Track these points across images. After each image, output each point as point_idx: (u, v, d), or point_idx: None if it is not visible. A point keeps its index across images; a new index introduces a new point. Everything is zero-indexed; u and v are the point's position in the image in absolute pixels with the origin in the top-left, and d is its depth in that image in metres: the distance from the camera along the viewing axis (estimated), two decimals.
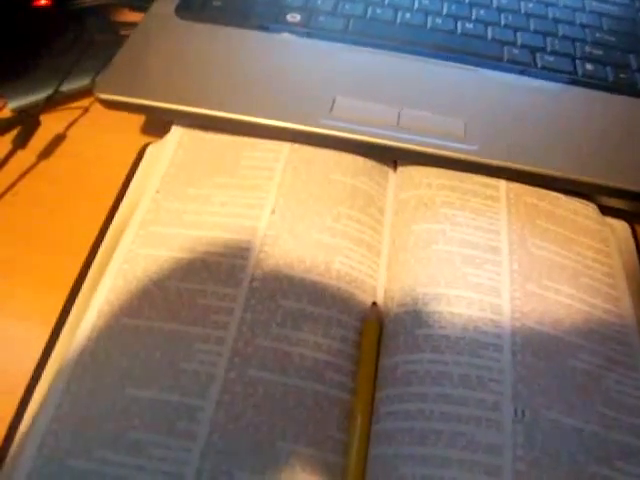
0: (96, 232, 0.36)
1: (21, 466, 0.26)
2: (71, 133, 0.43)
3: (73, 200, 0.38)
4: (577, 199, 0.37)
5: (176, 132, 0.39)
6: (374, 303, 0.32)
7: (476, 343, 0.29)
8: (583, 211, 0.37)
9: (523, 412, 0.27)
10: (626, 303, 0.33)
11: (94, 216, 0.36)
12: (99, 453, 0.26)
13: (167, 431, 0.27)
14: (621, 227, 0.38)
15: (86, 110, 0.44)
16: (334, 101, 0.38)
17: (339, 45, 0.41)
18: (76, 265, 0.34)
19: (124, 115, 0.40)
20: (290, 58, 0.40)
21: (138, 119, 0.43)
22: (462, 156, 0.36)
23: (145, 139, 0.41)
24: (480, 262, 0.33)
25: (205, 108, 0.37)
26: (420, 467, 0.26)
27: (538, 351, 0.30)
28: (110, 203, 0.37)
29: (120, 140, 0.41)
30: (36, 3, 0.47)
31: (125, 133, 0.42)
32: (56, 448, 0.27)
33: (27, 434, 0.27)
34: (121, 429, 0.27)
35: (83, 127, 0.43)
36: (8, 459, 0.27)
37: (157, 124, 0.41)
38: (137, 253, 0.33)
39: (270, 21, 0.42)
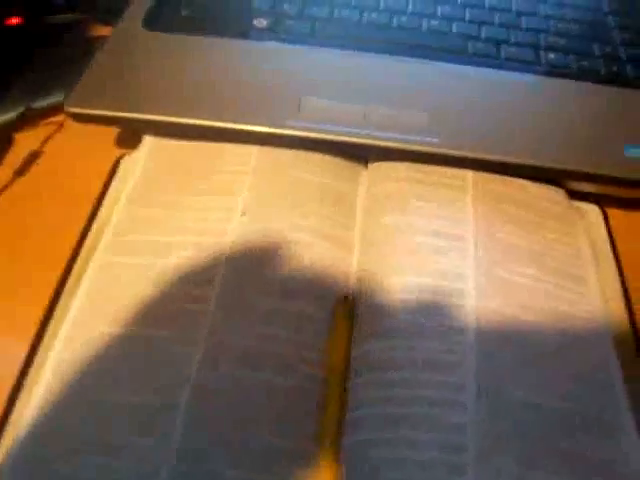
0: (73, 245, 0.36)
1: (2, 472, 0.27)
2: (47, 149, 0.43)
3: (50, 215, 0.39)
4: (544, 185, 0.38)
5: (147, 142, 0.40)
6: (345, 297, 0.33)
7: (441, 328, 0.30)
8: (549, 196, 0.38)
9: (487, 391, 0.28)
10: (592, 281, 0.34)
11: (71, 230, 0.37)
12: (78, 458, 0.27)
13: (143, 433, 0.28)
14: (592, 210, 0.39)
15: (61, 126, 0.45)
16: (300, 102, 0.38)
17: (306, 47, 0.42)
18: (54, 278, 0.35)
19: (99, 129, 0.41)
20: (257, 62, 0.41)
21: (113, 132, 0.43)
22: (426, 149, 0.36)
23: (120, 151, 0.42)
24: (446, 250, 0.33)
25: (172, 116, 0.37)
26: (389, 450, 0.27)
27: (502, 333, 0.30)
28: (86, 216, 0.38)
29: (96, 154, 0.42)
30: (8, 22, 0.48)
31: (100, 146, 0.42)
32: (36, 454, 0.27)
33: (9, 441, 0.28)
34: (98, 433, 0.28)
35: (59, 142, 0.44)
36: None
37: (132, 136, 0.42)
38: (111, 261, 0.34)
39: (237, 28, 0.43)
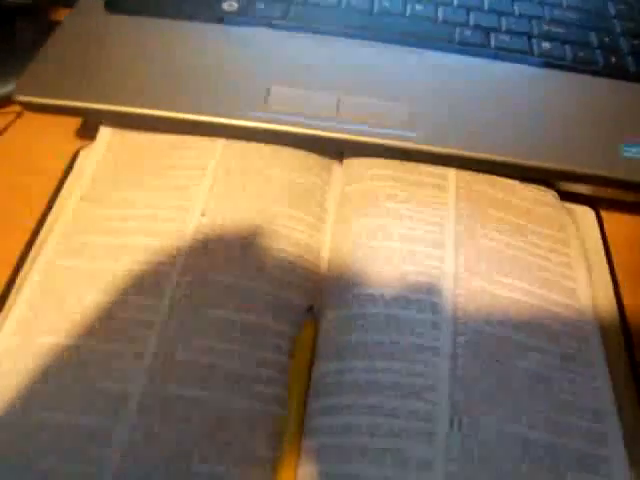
0: (23, 245, 0.33)
1: None
2: (3, 139, 0.40)
3: (5, 211, 0.36)
4: (534, 185, 0.35)
5: (104, 133, 0.37)
6: (310, 307, 0.30)
7: (412, 348, 0.27)
8: (540, 198, 0.34)
9: (460, 421, 0.25)
10: (584, 295, 0.31)
11: (23, 228, 0.34)
12: None
13: (78, 457, 0.25)
14: (585, 213, 0.36)
15: (19, 115, 0.42)
16: (269, 91, 0.35)
17: (279, 32, 0.39)
18: (2, 279, 0.32)
19: (59, 117, 0.38)
20: (226, 48, 0.38)
21: (75, 121, 0.40)
22: (405, 145, 0.33)
23: (82, 142, 0.39)
24: (421, 258, 0.30)
25: (131, 106, 0.34)
26: None
27: (481, 353, 0.27)
28: (40, 213, 0.35)
29: (55, 144, 0.39)
30: None
31: (60, 137, 0.39)
32: None
33: None
34: (30, 457, 0.25)
35: (16, 132, 0.41)
36: None
37: (95, 126, 0.39)
38: (57, 265, 0.31)
39: (205, 11, 0.40)
